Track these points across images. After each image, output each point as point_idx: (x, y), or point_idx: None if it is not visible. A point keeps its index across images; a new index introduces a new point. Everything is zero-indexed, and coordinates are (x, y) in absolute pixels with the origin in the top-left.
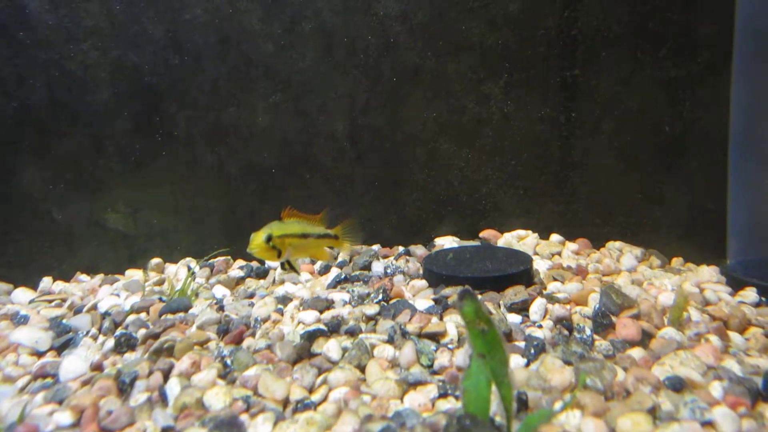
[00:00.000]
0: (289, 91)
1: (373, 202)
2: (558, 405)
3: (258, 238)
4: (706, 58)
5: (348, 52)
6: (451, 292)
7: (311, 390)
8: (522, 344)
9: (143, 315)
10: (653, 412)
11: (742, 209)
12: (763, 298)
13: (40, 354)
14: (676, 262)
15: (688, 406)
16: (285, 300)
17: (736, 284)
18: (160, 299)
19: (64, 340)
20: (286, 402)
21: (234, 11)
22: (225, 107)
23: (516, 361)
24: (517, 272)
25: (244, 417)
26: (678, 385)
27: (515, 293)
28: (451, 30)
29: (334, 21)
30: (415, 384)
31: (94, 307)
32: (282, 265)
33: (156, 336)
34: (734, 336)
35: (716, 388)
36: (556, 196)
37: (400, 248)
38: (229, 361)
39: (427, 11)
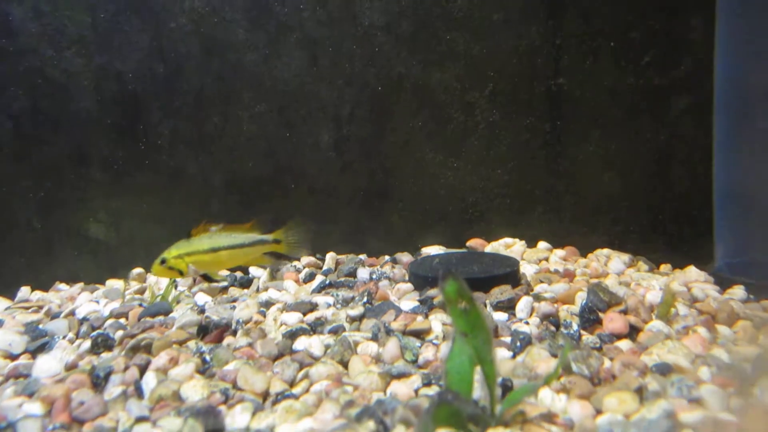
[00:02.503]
0: (273, 100)
1: (359, 212)
2: (543, 390)
3: (155, 263)
4: (689, 66)
5: (333, 61)
6: (437, 293)
7: (292, 384)
8: (508, 339)
9: (122, 320)
10: (640, 392)
11: (728, 215)
12: (752, 296)
13: (13, 357)
14: (665, 268)
15: (675, 386)
16: (268, 304)
17: (724, 284)
18: (140, 305)
19: (40, 344)
20: (266, 395)
21: (219, 21)
22: (209, 117)
23: (502, 354)
24: (503, 273)
25: (222, 408)
26: (665, 369)
27: (501, 292)
28: (435, 40)
29: (319, 31)
30: (399, 376)
31: (72, 313)
32: (205, 278)
33: (134, 337)
34: (722, 329)
35: (704, 373)
36: (542, 204)
37: (387, 257)
38: (208, 358)
39: (411, 21)
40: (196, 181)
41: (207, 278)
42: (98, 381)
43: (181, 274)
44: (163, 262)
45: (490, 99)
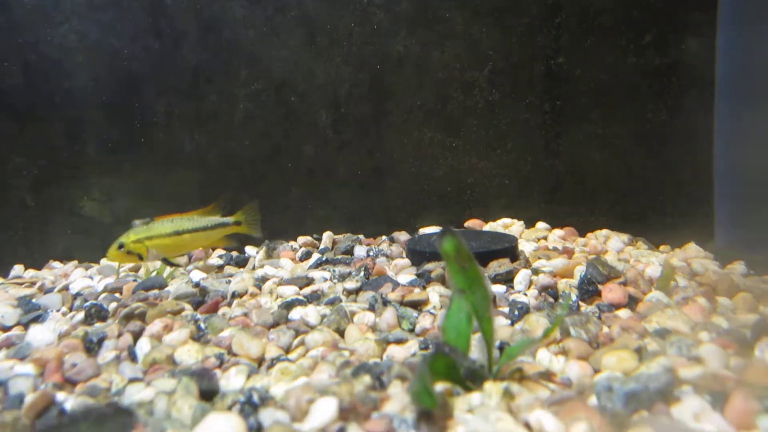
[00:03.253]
0: (270, 79)
1: (357, 192)
2: (541, 351)
3: (112, 248)
4: (690, 46)
5: (331, 40)
6: (435, 267)
7: (288, 350)
8: (506, 309)
9: (117, 294)
10: (639, 352)
11: (729, 195)
12: (752, 271)
13: (6, 329)
14: (664, 248)
15: (675, 345)
16: (264, 279)
17: (724, 260)
18: (135, 280)
19: (33, 317)
20: (261, 360)
21: None
22: (205, 94)
23: (500, 321)
24: (501, 248)
25: (216, 372)
26: (665, 334)
27: (499, 265)
28: (434, 18)
29: (317, 8)
30: (396, 341)
31: (66, 288)
32: (164, 262)
33: (128, 307)
34: (722, 300)
35: (704, 337)
36: (541, 185)
37: (384, 237)
38: (202, 325)
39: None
40: (192, 159)
41: (166, 262)
42: (91, 346)
43: (141, 258)
44: (120, 246)
45: (489, 78)
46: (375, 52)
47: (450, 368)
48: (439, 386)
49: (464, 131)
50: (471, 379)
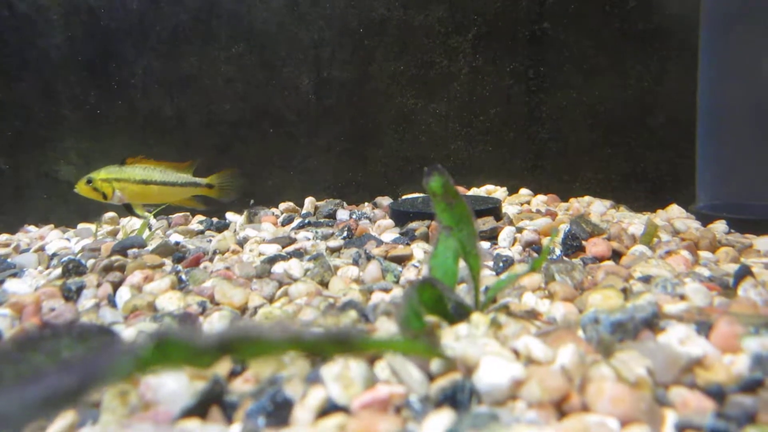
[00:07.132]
0: (252, 41)
1: (339, 158)
2: (527, 294)
3: (81, 181)
4: (674, 11)
5: (313, 1)
6: (419, 225)
7: (271, 300)
8: (490, 263)
9: (95, 254)
10: (624, 292)
11: (710, 163)
12: (733, 230)
13: None
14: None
15: (660, 285)
16: (245, 240)
17: (705, 220)
18: (113, 241)
19: (8, 274)
20: (244, 309)
21: None
22: (185, 56)
23: (484, 273)
24: (485, 209)
25: (199, 318)
26: (649, 279)
27: (483, 223)
28: None
29: None
30: (381, 290)
31: (42, 249)
32: (127, 208)
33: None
34: (704, 254)
35: (689, 281)
36: (525, 152)
37: (366, 204)
38: (184, 277)
39: None
40: (171, 122)
41: (129, 209)
42: (69, 294)
43: (105, 198)
44: (89, 181)
45: (473, 43)
46: (358, 15)
47: (437, 301)
48: (427, 319)
49: (447, 97)
50: (458, 315)
